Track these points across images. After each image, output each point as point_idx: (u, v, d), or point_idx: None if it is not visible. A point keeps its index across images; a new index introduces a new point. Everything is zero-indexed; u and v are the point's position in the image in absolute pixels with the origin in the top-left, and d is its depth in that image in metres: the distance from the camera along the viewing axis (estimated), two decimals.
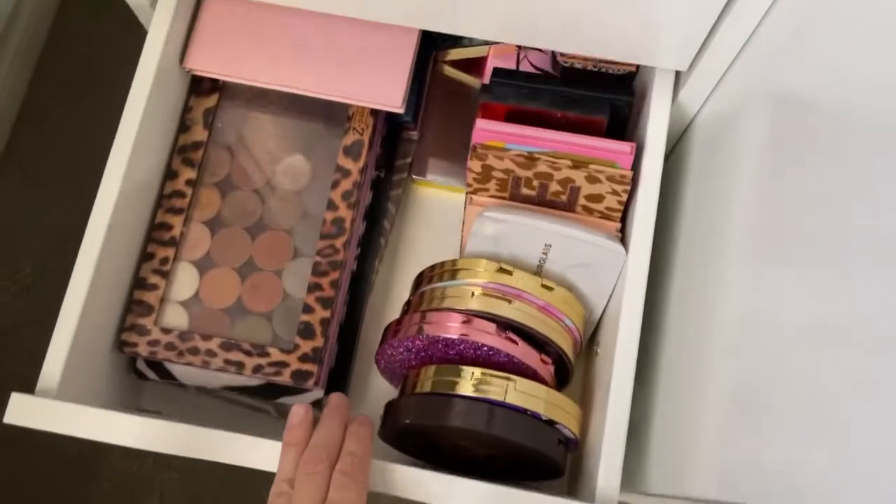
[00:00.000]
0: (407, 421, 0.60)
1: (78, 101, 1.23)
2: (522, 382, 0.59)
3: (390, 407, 0.63)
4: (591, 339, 0.72)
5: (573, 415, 0.61)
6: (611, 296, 0.67)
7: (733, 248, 0.56)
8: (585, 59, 0.74)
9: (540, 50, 0.77)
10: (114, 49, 1.23)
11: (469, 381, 0.59)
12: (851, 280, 0.38)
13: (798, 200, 0.46)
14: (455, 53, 0.78)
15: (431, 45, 0.78)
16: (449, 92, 0.81)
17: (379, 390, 0.74)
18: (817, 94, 0.47)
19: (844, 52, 0.44)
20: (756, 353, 0.49)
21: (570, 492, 0.67)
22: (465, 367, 0.60)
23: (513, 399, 0.58)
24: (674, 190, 0.72)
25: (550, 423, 0.60)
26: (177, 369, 0.69)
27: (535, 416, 0.59)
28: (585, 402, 0.69)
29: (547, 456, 0.59)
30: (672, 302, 0.67)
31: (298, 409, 0.56)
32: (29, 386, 0.60)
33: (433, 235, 0.79)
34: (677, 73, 0.66)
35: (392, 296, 0.77)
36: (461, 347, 0.61)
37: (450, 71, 0.82)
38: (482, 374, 0.59)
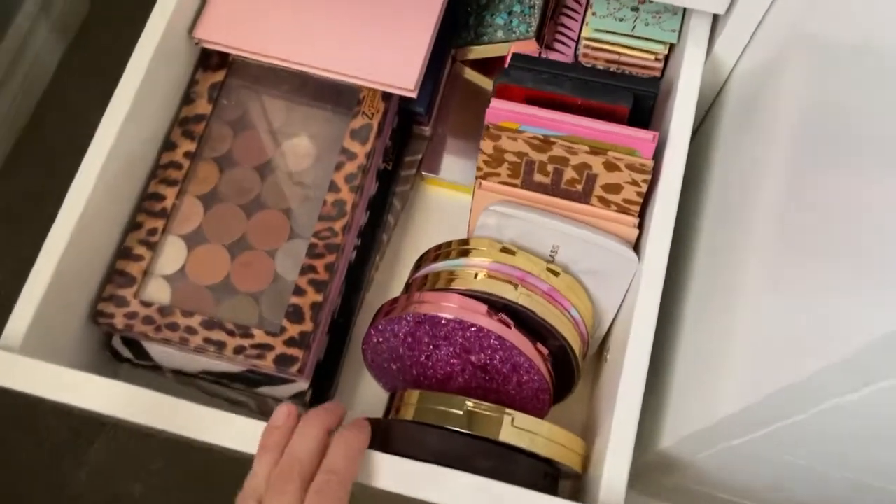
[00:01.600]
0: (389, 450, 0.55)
1: (104, 82, 1.24)
2: (521, 417, 0.54)
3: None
4: (601, 344, 0.67)
5: (577, 451, 0.56)
6: (619, 308, 0.63)
7: (761, 223, 0.51)
8: (608, 60, 0.72)
9: (561, 52, 0.75)
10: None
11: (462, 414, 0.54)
12: None
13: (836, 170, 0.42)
14: (475, 52, 0.76)
15: (450, 40, 0.75)
16: (465, 93, 0.79)
17: (369, 390, 0.69)
18: (862, 37, 0.43)
19: None
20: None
21: (574, 495, 0.62)
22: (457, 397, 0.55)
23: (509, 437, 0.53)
24: (701, 164, 0.67)
25: (548, 461, 0.55)
26: (154, 349, 0.64)
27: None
28: (592, 410, 0.63)
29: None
30: (696, 268, 0.62)
31: (282, 409, 0.51)
32: None
33: (438, 236, 0.75)
34: (714, 21, 0.64)
35: (390, 295, 0.73)
36: (448, 328, 0.56)
37: (468, 73, 0.79)
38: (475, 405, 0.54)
